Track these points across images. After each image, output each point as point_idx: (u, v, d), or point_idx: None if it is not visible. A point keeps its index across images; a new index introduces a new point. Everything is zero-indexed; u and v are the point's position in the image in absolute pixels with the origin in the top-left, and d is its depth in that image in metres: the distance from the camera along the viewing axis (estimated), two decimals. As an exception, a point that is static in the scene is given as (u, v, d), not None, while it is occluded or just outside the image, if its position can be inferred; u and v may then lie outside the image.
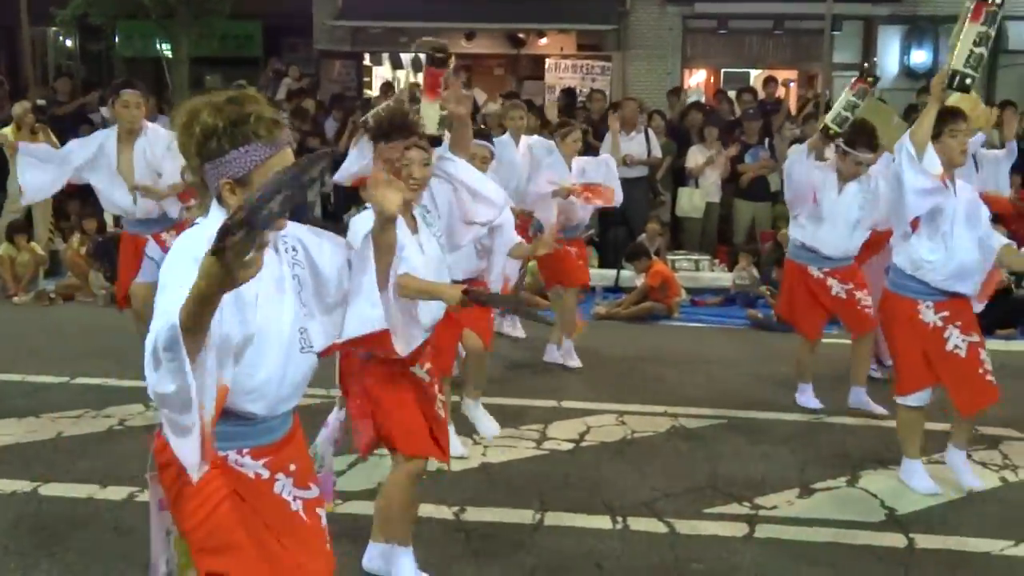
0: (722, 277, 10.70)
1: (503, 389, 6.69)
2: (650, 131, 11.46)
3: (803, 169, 6.29)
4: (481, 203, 4.17)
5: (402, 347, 2.99)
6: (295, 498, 2.65)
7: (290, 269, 2.60)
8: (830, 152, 6.81)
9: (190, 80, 13.12)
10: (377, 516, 4.05)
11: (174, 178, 5.86)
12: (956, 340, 5.00)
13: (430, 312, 3.78)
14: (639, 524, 4.69)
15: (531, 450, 5.67)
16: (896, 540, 4.59)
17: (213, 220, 2.44)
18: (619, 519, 4.73)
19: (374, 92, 18.51)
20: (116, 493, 4.86)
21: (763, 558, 4.38)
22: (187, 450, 2.18)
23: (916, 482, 5.18)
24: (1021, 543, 4.56)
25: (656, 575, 4.18)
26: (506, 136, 7.72)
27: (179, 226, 6.15)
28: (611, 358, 7.80)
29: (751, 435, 6.01)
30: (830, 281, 6.40)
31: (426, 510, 4.61)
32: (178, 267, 2.28)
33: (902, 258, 5.08)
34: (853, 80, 6.49)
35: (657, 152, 11.45)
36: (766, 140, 11.70)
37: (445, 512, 4.73)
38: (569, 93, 14.33)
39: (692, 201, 11.57)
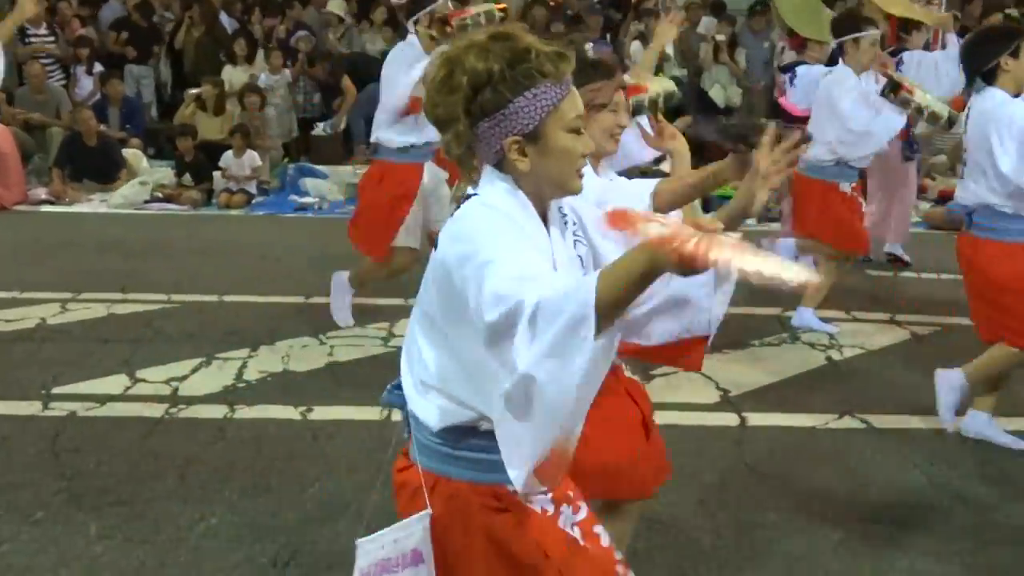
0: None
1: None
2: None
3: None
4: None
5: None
6: (572, 526, 2.14)
7: (573, 248, 2.09)
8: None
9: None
10: None
11: None
12: None
13: None
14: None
15: (378, 348, 5.69)
16: (729, 419, 4.82)
17: (493, 191, 1.96)
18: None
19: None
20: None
21: (605, 442, 4.51)
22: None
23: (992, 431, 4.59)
24: (844, 416, 4.85)
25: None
26: (412, 40, 5.67)
27: None
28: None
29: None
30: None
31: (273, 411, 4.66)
32: (495, 234, 1.83)
33: (1005, 198, 4.26)
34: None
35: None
36: (607, 35, 11.75)
37: (292, 412, 4.72)
38: None
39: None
